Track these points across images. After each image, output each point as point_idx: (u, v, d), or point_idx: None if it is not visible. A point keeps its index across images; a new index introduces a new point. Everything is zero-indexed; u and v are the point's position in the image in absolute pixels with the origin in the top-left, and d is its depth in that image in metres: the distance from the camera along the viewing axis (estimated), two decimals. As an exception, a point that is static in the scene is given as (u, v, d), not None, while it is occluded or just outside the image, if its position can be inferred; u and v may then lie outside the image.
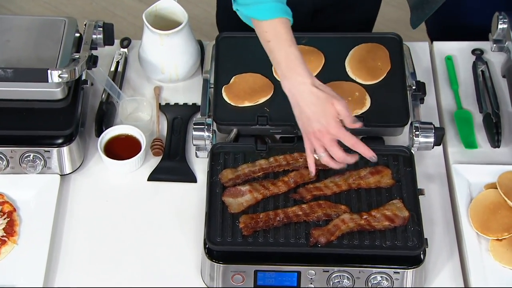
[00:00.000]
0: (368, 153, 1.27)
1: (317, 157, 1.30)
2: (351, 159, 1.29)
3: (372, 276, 1.30)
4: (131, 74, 1.65)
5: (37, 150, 1.43)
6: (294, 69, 1.25)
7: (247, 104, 1.47)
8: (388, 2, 2.77)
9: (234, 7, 1.31)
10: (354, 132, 1.45)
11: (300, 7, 1.44)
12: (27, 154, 1.44)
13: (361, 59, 1.53)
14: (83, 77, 1.51)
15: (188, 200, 1.45)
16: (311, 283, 1.31)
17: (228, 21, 1.73)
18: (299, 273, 1.31)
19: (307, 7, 1.65)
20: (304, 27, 1.48)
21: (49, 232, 1.38)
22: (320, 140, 1.26)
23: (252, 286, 1.32)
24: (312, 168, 1.31)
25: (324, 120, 1.24)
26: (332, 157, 1.28)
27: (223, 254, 1.31)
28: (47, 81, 1.38)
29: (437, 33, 1.78)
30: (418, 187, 1.38)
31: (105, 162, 1.49)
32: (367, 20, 1.79)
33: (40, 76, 1.38)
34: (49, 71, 1.38)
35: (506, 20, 1.57)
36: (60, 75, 1.38)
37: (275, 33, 1.26)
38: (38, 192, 1.44)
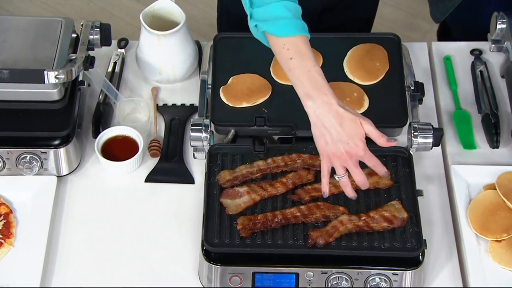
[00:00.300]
0: (383, 170, 1.27)
1: (337, 179, 1.27)
2: (367, 184, 1.27)
3: (371, 278, 1.30)
4: (128, 74, 1.64)
5: (34, 152, 1.42)
6: (319, 89, 1.22)
7: (245, 105, 1.47)
8: (386, 2, 2.77)
9: (251, 24, 1.29)
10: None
11: (307, 7, 1.43)
12: (24, 156, 1.43)
13: (359, 59, 1.53)
14: (80, 78, 1.51)
15: (185, 202, 1.45)
16: (309, 285, 1.31)
17: (229, 23, 1.73)
18: (297, 274, 1.30)
19: (315, 7, 1.64)
20: (311, 25, 1.47)
21: (46, 234, 1.37)
22: (343, 162, 1.24)
23: (250, 288, 1.32)
24: (325, 189, 1.29)
25: (352, 142, 1.22)
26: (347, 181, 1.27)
27: (220, 255, 1.30)
28: (44, 82, 1.38)
29: (458, 32, 1.74)
30: (417, 188, 1.37)
31: (102, 164, 1.48)
32: (367, 19, 1.80)
33: (37, 77, 1.37)
34: (45, 72, 1.37)
35: (504, 20, 1.57)
36: (57, 76, 1.37)
37: (297, 51, 1.24)
38: (34, 194, 1.43)
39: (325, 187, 1.29)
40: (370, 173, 1.38)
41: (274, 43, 1.27)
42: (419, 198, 1.36)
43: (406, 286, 1.31)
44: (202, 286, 1.35)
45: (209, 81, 1.52)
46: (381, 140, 1.24)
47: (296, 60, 1.24)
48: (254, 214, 1.34)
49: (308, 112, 1.24)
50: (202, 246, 1.31)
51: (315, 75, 1.23)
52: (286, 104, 1.46)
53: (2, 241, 1.37)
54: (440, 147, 1.50)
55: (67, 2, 2.87)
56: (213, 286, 1.33)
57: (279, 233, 1.31)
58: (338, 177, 1.27)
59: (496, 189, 1.42)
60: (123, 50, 1.66)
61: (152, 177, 1.48)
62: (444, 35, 1.97)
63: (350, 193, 1.29)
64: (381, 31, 1.65)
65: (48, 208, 1.40)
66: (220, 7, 1.77)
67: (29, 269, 1.33)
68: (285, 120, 1.44)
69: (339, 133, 1.22)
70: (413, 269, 1.30)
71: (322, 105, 1.22)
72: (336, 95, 1.24)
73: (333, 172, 1.29)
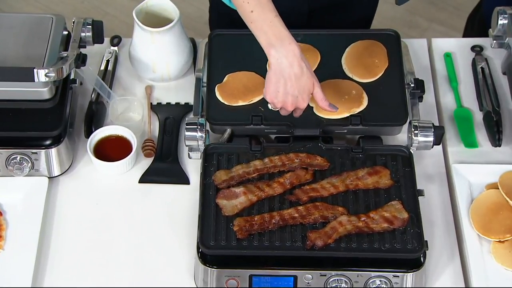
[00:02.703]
0: (322, 102, 1.33)
1: (270, 107, 1.36)
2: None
3: (371, 280, 1.29)
4: (121, 73, 1.63)
5: (24, 152, 1.41)
6: (282, 38, 1.26)
7: (241, 103, 1.46)
8: (385, 0, 2.76)
9: None
10: (352, 131, 1.43)
11: (295, 9, 1.43)
12: (14, 156, 1.41)
13: (358, 56, 1.52)
14: (72, 76, 1.50)
15: (180, 203, 1.44)
16: (308, 288, 1.30)
17: (219, 22, 1.71)
18: (295, 277, 1.29)
19: (301, 9, 1.63)
20: (299, 27, 1.46)
21: (37, 236, 1.36)
22: (287, 109, 1.33)
23: (247, 291, 1.30)
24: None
25: (301, 96, 1.30)
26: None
27: (216, 258, 1.29)
28: (34, 81, 1.36)
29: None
30: (418, 188, 1.36)
31: (95, 164, 1.47)
32: (364, 20, 1.78)
33: (26, 75, 1.36)
34: (35, 70, 1.36)
35: (506, 16, 1.56)
36: (47, 74, 1.36)
37: (257, 3, 1.27)
38: (25, 196, 1.42)
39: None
40: (370, 172, 1.38)
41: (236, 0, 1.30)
42: (420, 198, 1.35)
43: (407, 289, 1.30)
44: (197, 290, 1.33)
45: (204, 79, 1.51)
46: (323, 103, 1.32)
47: (257, 12, 1.27)
48: (251, 215, 1.33)
49: (271, 60, 1.28)
50: (198, 248, 1.30)
51: (277, 25, 1.26)
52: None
53: (-8, 244, 1.35)
54: (441, 145, 1.49)
55: (60, 1, 2.89)
56: (209, 290, 1.31)
57: (276, 234, 1.30)
58: (270, 107, 1.34)
59: (498, 189, 1.41)
60: (116, 48, 1.65)
61: (146, 178, 1.47)
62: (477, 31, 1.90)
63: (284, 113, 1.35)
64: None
65: (39, 210, 1.39)
66: (211, 7, 1.77)
67: (20, 272, 1.32)
68: (282, 118, 1.42)
69: (293, 86, 1.29)
70: (414, 271, 1.29)
71: (286, 54, 1.26)
72: (298, 45, 1.28)
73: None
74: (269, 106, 1.35)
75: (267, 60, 1.49)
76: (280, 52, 1.26)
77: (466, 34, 1.91)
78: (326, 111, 1.37)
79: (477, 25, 1.84)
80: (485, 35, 1.67)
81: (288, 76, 1.27)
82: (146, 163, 1.49)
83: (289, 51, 1.26)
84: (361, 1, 1.72)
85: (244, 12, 1.29)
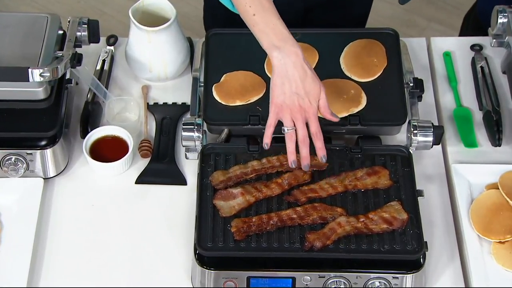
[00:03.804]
0: (322, 151, 1.30)
1: (286, 130, 1.29)
2: (306, 156, 1.29)
3: (370, 282, 1.28)
4: (117, 72, 1.62)
5: (19, 153, 1.40)
6: (286, 40, 1.26)
7: (238, 103, 1.45)
8: (383, -1, 2.76)
9: None
10: (351, 131, 1.42)
11: (291, 6, 1.42)
12: (9, 157, 1.40)
13: (357, 55, 1.51)
14: (68, 76, 1.49)
15: (177, 204, 1.43)
16: (306, 289, 1.29)
17: (214, 21, 1.70)
18: (293, 279, 1.28)
19: (297, 6, 1.62)
20: (295, 25, 1.45)
21: (32, 238, 1.35)
22: (294, 114, 1.28)
23: (245, 293, 1.30)
24: (268, 140, 1.31)
25: (307, 98, 1.27)
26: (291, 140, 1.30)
27: (214, 259, 1.29)
28: (28, 80, 1.36)
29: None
30: (417, 188, 1.36)
31: (91, 165, 1.46)
32: (359, 18, 1.78)
33: (21, 75, 1.35)
34: (30, 70, 1.35)
35: (506, 15, 1.56)
36: (42, 74, 1.35)
37: (259, 7, 1.28)
38: (20, 197, 1.41)
39: (267, 139, 1.31)
40: (369, 173, 1.37)
41: (238, 3, 1.30)
42: (419, 198, 1.34)
43: (406, 290, 1.30)
44: (195, 292, 1.33)
45: (201, 79, 1.50)
46: (326, 110, 1.30)
47: (259, 16, 1.28)
48: (249, 216, 1.32)
49: (274, 62, 1.27)
50: (195, 250, 1.29)
51: (280, 28, 1.27)
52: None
53: (-14, 246, 1.34)
54: (440, 145, 1.48)
55: (57, 1, 2.90)
56: (206, 292, 1.31)
57: (274, 235, 1.29)
58: (287, 129, 1.29)
59: (498, 189, 1.40)
60: (112, 47, 1.65)
61: (142, 179, 1.46)
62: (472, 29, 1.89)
63: (290, 149, 1.30)
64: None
65: (34, 212, 1.38)
66: (205, 6, 1.76)
67: (15, 274, 1.31)
68: None
69: (299, 87, 1.26)
70: (413, 272, 1.28)
71: (289, 55, 1.26)
72: (301, 48, 1.27)
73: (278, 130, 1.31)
74: (284, 129, 1.29)
75: (265, 59, 1.50)
76: (283, 52, 1.26)
77: (462, 33, 1.90)
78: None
79: (472, 23, 1.84)
80: (480, 33, 1.67)
81: (292, 77, 1.26)
82: (142, 163, 1.48)
83: (291, 52, 1.26)
84: (355, 0, 1.71)
85: (247, 15, 1.29)
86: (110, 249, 1.37)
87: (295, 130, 1.29)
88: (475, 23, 1.81)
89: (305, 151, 1.29)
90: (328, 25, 1.62)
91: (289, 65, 1.26)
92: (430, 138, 1.39)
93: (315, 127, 1.28)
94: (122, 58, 1.62)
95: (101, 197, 1.44)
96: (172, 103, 1.56)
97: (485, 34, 1.64)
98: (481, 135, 1.51)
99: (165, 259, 1.36)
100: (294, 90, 1.26)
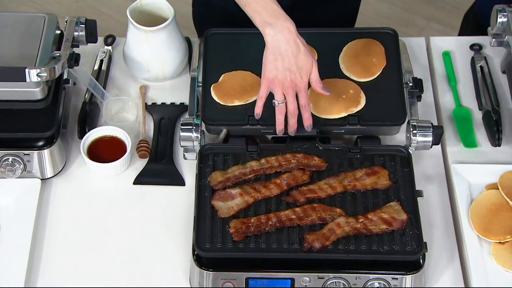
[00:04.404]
0: (309, 121, 1.34)
1: (276, 104, 1.32)
2: (294, 124, 1.33)
3: (370, 283, 1.28)
4: (115, 72, 1.62)
5: (16, 153, 1.40)
6: (278, 17, 1.28)
7: (237, 103, 1.44)
8: (381, -1, 2.75)
9: None
10: (350, 131, 1.42)
11: (278, 2, 1.41)
12: (6, 158, 1.40)
13: (356, 55, 1.51)
14: (65, 76, 1.48)
15: (175, 204, 1.42)
16: (305, 291, 1.29)
17: (205, 19, 1.70)
18: (292, 280, 1.28)
19: (284, 2, 1.62)
20: None
21: (29, 239, 1.34)
22: (285, 89, 1.30)
23: (244, 294, 1.29)
24: (259, 110, 1.34)
25: (299, 73, 1.28)
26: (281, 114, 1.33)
27: (212, 260, 1.28)
28: (25, 80, 1.35)
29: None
30: (417, 189, 1.36)
31: (89, 165, 1.45)
32: (348, 15, 1.77)
33: (18, 75, 1.34)
34: (27, 70, 1.34)
35: (505, 14, 1.55)
36: (39, 74, 1.34)
37: None
38: (17, 198, 1.40)
39: (258, 109, 1.34)
40: (368, 173, 1.37)
41: None
42: (418, 198, 1.34)
43: (406, 291, 1.29)
44: (193, 293, 1.32)
45: (200, 79, 1.50)
46: (317, 84, 1.31)
47: None
48: (247, 217, 1.31)
49: (267, 39, 1.28)
50: (193, 250, 1.29)
51: (271, 5, 1.28)
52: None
53: (-17, 247, 1.33)
54: (440, 145, 1.48)
55: (55, 1, 2.90)
56: (204, 293, 1.30)
57: (273, 236, 1.29)
58: (277, 103, 1.31)
59: (498, 189, 1.40)
60: (110, 47, 1.64)
61: (140, 179, 1.46)
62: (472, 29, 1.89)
63: (279, 121, 1.34)
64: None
65: (31, 212, 1.37)
66: (194, 3, 1.77)
67: (12, 276, 1.30)
68: None
69: (291, 62, 1.28)
70: (413, 273, 1.28)
71: (282, 31, 1.27)
72: (293, 23, 1.28)
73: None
74: (275, 102, 1.32)
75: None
76: (276, 29, 1.27)
77: (461, 32, 1.90)
78: (321, 110, 1.35)
79: (471, 22, 1.84)
80: (479, 32, 1.66)
81: (285, 53, 1.27)
82: (140, 164, 1.47)
83: (284, 27, 1.27)
84: None
85: None
86: (108, 250, 1.36)
87: (286, 103, 1.31)
88: (474, 23, 1.81)
89: (293, 121, 1.34)
90: (316, 21, 1.62)
91: (281, 41, 1.27)
92: (430, 138, 1.39)
93: (304, 100, 1.31)
94: (120, 58, 1.61)
95: (99, 198, 1.43)
96: (170, 103, 1.56)
97: (485, 33, 1.63)
98: (481, 135, 1.51)
99: (163, 260, 1.35)
100: (287, 65, 1.27)
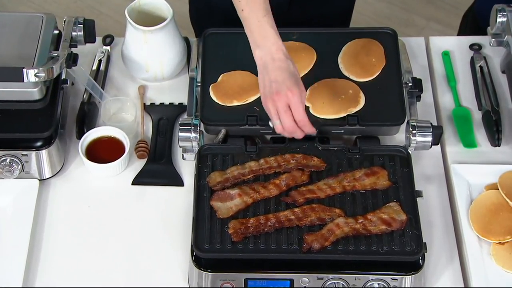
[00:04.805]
0: (310, 131, 1.30)
1: (271, 125, 1.31)
2: (299, 133, 1.30)
3: (369, 283, 1.27)
4: (114, 73, 1.61)
5: (14, 154, 1.39)
6: (267, 37, 1.28)
7: (236, 103, 1.44)
8: (381, -2, 2.75)
9: None
10: (349, 131, 1.41)
11: None
12: (4, 158, 1.39)
13: (355, 55, 1.51)
14: (63, 76, 1.48)
15: (174, 205, 1.42)
16: (304, 291, 1.29)
17: (202, 18, 1.70)
18: (291, 281, 1.27)
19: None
20: (279, 17, 1.44)
21: (27, 240, 1.34)
22: (276, 105, 1.27)
23: (243, 295, 1.29)
24: (279, 130, 1.31)
25: (285, 85, 1.26)
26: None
27: (211, 261, 1.28)
28: (23, 81, 1.35)
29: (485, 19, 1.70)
30: (416, 189, 1.35)
31: (87, 166, 1.45)
32: (344, 12, 1.77)
33: (15, 75, 1.34)
34: (24, 70, 1.34)
35: (505, 14, 1.55)
36: (37, 74, 1.34)
37: (248, 1, 1.29)
38: (15, 198, 1.40)
39: (279, 130, 1.31)
40: (367, 173, 1.36)
41: None
42: (418, 199, 1.34)
43: (406, 292, 1.29)
44: (192, 294, 1.32)
45: (198, 79, 1.49)
46: (298, 108, 1.27)
47: (247, 11, 1.29)
48: (246, 217, 1.31)
49: (257, 62, 1.29)
50: (192, 251, 1.28)
51: (263, 25, 1.29)
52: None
53: (-19, 248, 1.33)
54: (439, 145, 1.47)
55: (54, 1, 2.90)
56: (203, 294, 1.30)
57: (272, 237, 1.28)
58: (271, 124, 1.31)
59: (498, 189, 1.40)
60: (108, 47, 1.64)
61: (139, 180, 1.45)
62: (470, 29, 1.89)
63: (289, 136, 1.32)
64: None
65: (29, 213, 1.37)
66: (191, 6, 1.77)
67: (9, 278, 1.30)
68: None
69: (277, 76, 1.27)
70: (413, 274, 1.27)
71: (270, 52, 1.28)
72: (283, 45, 1.29)
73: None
74: (270, 124, 1.31)
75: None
76: (263, 51, 1.28)
77: (460, 32, 1.90)
78: (320, 110, 1.35)
79: (470, 22, 1.83)
80: (478, 32, 1.66)
81: (271, 69, 1.28)
82: (139, 164, 1.47)
83: (271, 49, 1.28)
84: None
85: (238, 10, 1.31)
86: (106, 251, 1.36)
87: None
88: (473, 23, 1.80)
89: (295, 135, 1.31)
90: (312, 17, 1.61)
91: (268, 60, 1.28)
92: (429, 138, 1.38)
93: (298, 115, 1.27)
94: (118, 58, 1.61)
95: (97, 199, 1.43)
96: (169, 103, 1.55)
97: (484, 33, 1.63)
98: (481, 135, 1.50)
99: (162, 261, 1.35)
100: (272, 79, 1.27)
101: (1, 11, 2.26)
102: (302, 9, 1.67)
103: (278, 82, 1.26)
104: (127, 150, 1.44)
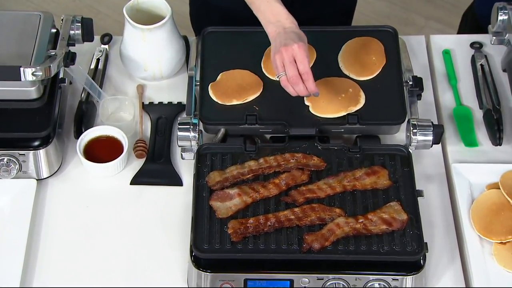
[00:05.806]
0: (313, 90, 1.32)
1: (277, 78, 1.34)
2: (302, 88, 1.31)
3: (370, 283, 1.27)
4: (112, 72, 1.61)
5: (12, 154, 1.39)
6: (279, 14, 1.35)
7: (235, 102, 1.44)
8: (380, -3, 2.74)
9: None
10: (349, 130, 1.40)
11: None
12: (1, 158, 1.39)
13: (355, 53, 1.50)
14: (61, 75, 1.48)
15: (173, 205, 1.41)
16: (304, 292, 1.28)
17: (202, 17, 1.69)
18: (291, 281, 1.27)
19: None
20: None
21: (25, 240, 1.33)
22: (282, 57, 1.31)
23: (242, 296, 1.29)
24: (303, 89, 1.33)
25: (293, 40, 1.31)
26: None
27: (210, 262, 1.28)
28: (20, 79, 1.34)
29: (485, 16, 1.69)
30: (417, 188, 1.35)
31: (85, 165, 1.45)
32: (346, 11, 1.76)
33: (12, 74, 1.33)
34: (21, 69, 1.33)
35: (506, 12, 1.55)
36: (34, 73, 1.34)
37: None
38: (13, 198, 1.39)
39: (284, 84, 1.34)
40: (368, 173, 1.36)
41: None
42: (419, 198, 1.33)
43: (406, 292, 1.29)
44: (191, 294, 1.31)
45: (197, 78, 1.49)
46: (303, 60, 1.30)
47: None
48: (246, 217, 1.31)
49: (270, 35, 1.35)
50: (191, 251, 1.28)
51: (273, 3, 1.36)
52: (278, 101, 1.43)
53: (-22, 248, 1.32)
54: (440, 145, 1.47)
55: (52, 0, 2.84)
56: (202, 294, 1.29)
57: (272, 237, 1.28)
58: (277, 76, 1.33)
59: (499, 189, 1.39)
60: (106, 46, 1.63)
61: (138, 179, 1.45)
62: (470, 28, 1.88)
63: (292, 91, 1.34)
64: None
65: (27, 213, 1.37)
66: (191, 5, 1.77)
67: (7, 278, 1.29)
68: (277, 118, 1.40)
69: (287, 37, 1.32)
70: (414, 274, 1.27)
71: (282, 25, 1.34)
72: (295, 21, 1.35)
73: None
74: (276, 77, 1.34)
75: (262, 57, 1.49)
76: (276, 25, 1.33)
77: (460, 31, 1.89)
78: (320, 109, 1.34)
79: (469, 21, 1.83)
80: (478, 31, 1.65)
81: (283, 33, 1.33)
82: (137, 164, 1.46)
83: (285, 22, 1.34)
84: None
85: None
86: (105, 251, 1.36)
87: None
88: (473, 21, 1.80)
89: (298, 88, 1.32)
90: (315, 15, 1.61)
91: (281, 31, 1.34)
92: (430, 137, 1.38)
93: (302, 67, 1.30)
94: (116, 57, 1.60)
95: (95, 198, 1.42)
96: (168, 102, 1.55)
97: (483, 32, 1.62)
98: (482, 134, 1.50)
99: (160, 261, 1.34)
100: (283, 39, 1.32)
101: (-2, 10, 2.26)
102: (304, 9, 1.66)
103: (287, 39, 1.32)
104: (125, 149, 1.43)
